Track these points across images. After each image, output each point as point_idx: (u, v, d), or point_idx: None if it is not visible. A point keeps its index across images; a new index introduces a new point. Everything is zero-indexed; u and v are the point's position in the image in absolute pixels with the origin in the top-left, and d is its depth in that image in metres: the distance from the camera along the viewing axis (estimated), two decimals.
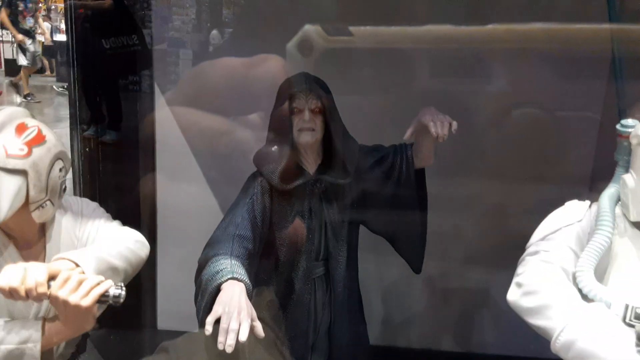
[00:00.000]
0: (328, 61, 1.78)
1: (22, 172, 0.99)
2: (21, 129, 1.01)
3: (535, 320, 0.94)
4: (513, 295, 1.01)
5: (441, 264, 2.10)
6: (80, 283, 0.93)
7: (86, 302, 0.92)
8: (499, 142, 1.99)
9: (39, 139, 1.02)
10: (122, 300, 0.96)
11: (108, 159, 2.18)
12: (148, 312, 2.36)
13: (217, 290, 1.14)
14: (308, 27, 1.79)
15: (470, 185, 2.02)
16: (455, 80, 1.91)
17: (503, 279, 2.02)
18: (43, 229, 1.11)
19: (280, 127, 1.36)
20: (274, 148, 1.36)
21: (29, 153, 0.99)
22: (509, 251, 1.95)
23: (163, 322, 2.39)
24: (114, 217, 1.26)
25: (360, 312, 1.58)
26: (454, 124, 1.27)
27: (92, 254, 1.03)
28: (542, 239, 1.03)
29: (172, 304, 2.29)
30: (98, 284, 0.95)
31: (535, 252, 1.01)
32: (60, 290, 0.91)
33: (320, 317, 1.46)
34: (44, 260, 1.09)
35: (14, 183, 0.98)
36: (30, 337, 0.96)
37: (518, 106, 1.95)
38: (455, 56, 1.87)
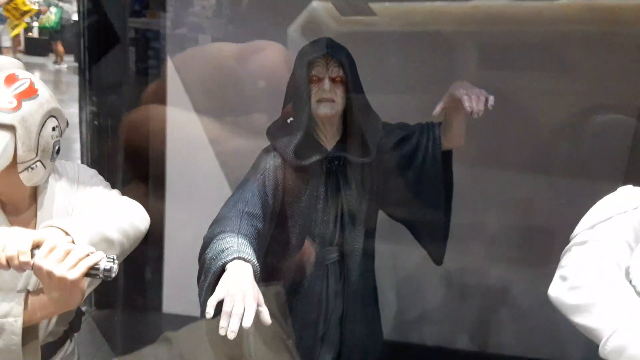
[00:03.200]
0: None
1: (10, 127, 0.90)
2: (11, 79, 0.92)
3: (581, 319, 0.83)
4: (556, 289, 0.90)
5: (461, 258, 1.93)
6: (67, 253, 0.84)
7: (73, 274, 0.83)
8: (531, 136, 1.79)
9: (31, 92, 0.93)
10: (113, 274, 0.87)
11: (117, 136, 2.14)
12: (154, 295, 2.30)
13: (222, 270, 1.05)
14: (316, 5, 1.55)
15: (496, 179, 1.84)
16: (511, 75, 1.58)
17: (524, 278, 1.96)
18: (34, 194, 1.02)
19: (296, 97, 1.25)
20: (289, 120, 1.26)
21: (18, 106, 0.90)
22: (533, 250, 1.89)
23: (168, 305, 2.32)
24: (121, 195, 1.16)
25: (374, 304, 1.48)
26: (491, 98, 1.15)
27: (85, 222, 0.94)
28: (591, 227, 0.91)
29: (178, 287, 2.22)
30: (88, 255, 0.86)
31: (583, 242, 0.90)
32: (45, 260, 0.83)
33: (332, 307, 1.37)
34: (34, 229, 1.00)
35: (1, 139, 0.88)
36: (11, 311, 0.88)
37: (590, 106, 1.67)
38: (512, 42, 1.53)
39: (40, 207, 1.02)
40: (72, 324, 1.08)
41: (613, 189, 1.00)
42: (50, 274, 0.83)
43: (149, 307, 2.32)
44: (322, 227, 1.31)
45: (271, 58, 1.51)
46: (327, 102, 1.23)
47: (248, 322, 0.93)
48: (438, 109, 1.23)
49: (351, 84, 1.24)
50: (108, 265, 0.86)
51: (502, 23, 1.48)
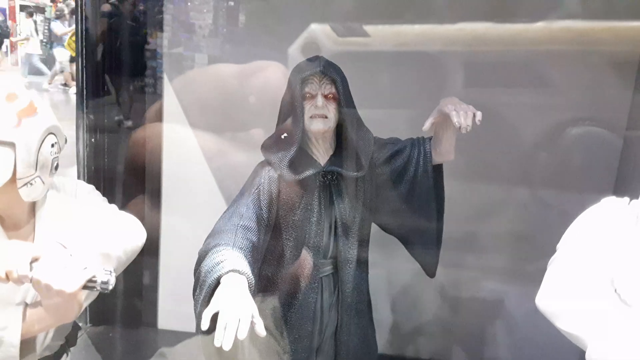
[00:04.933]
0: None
1: (10, 144, 0.91)
2: (12, 97, 0.94)
3: (566, 327, 0.85)
4: (543, 298, 0.92)
5: (453, 271, 1.97)
6: (65, 266, 0.85)
7: (71, 287, 0.84)
8: (519, 150, 1.83)
9: (31, 110, 0.95)
10: (110, 287, 0.88)
11: (113, 154, 2.15)
12: (149, 311, 2.29)
13: (217, 283, 1.06)
14: (314, 27, 1.63)
15: (487, 192, 1.88)
16: (494, 91, 1.67)
17: (517, 291, 1.97)
18: (33, 209, 1.03)
19: (290, 113, 1.27)
20: (284, 136, 1.28)
21: (19, 124, 0.92)
22: (525, 263, 1.90)
23: (164, 321, 2.30)
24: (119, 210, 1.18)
25: (369, 316, 1.49)
26: (479, 114, 1.18)
27: (83, 237, 0.96)
28: (577, 237, 0.94)
29: (173, 304, 2.22)
30: (85, 268, 0.87)
31: (569, 252, 0.92)
32: (43, 273, 0.84)
33: (327, 319, 1.38)
34: (32, 242, 1.02)
35: (1, 155, 0.90)
36: (9, 324, 0.88)
37: (566, 119, 1.72)
38: (495, 61, 1.62)
39: (39, 221, 1.03)
40: (68, 339, 1.09)
41: (598, 199, 1.01)
42: (48, 287, 0.83)
43: (144, 323, 2.32)
44: (316, 239, 1.32)
45: (273, 76, 1.58)
46: (320, 118, 1.25)
47: (243, 334, 0.93)
48: (427, 124, 1.25)
49: (343, 100, 1.27)
50: (105, 278, 0.87)
51: (486, 44, 1.56)
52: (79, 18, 1.98)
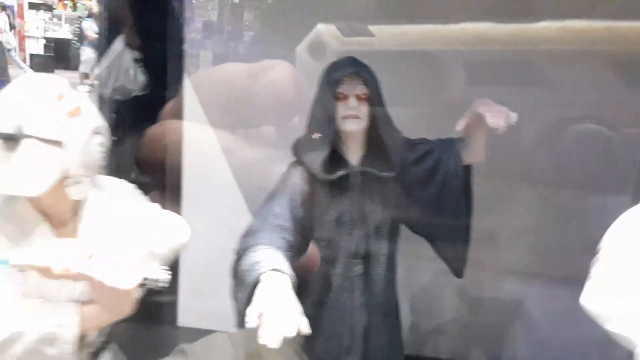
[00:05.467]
0: None
1: (59, 144, 0.94)
2: (60, 97, 0.96)
3: (616, 329, 0.86)
4: (590, 299, 0.93)
5: (473, 271, 1.99)
6: (120, 264, 0.88)
7: (126, 285, 0.86)
8: (543, 150, 1.83)
9: (78, 110, 0.97)
10: (164, 284, 0.90)
11: (134, 149, 2.16)
12: (169, 308, 2.29)
13: (257, 281, 1.07)
14: (320, 27, 1.66)
15: (510, 192, 1.90)
16: (495, 89, 1.70)
17: (538, 292, 1.98)
18: (76, 208, 1.05)
19: (322, 114, 1.29)
20: (316, 136, 1.30)
21: (68, 124, 0.94)
22: (547, 264, 1.92)
23: (184, 318, 2.31)
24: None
25: (397, 316, 1.50)
26: (514, 115, 1.20)
27: (132, 235, 0.99)
28: (621, 238, 0.94)
29: (194, 300, 2.24)
30: (140, 266, 0.89)
31: (615, 253, 0.93)
32: (98, 271, 0.86)
33: (357, 319, 1.39)
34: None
35: (49, 155, 0.92)
36: (66, 321, 0.90)
37: (568, 117, 1.74)
38: (496, 60, 1.67)
39: (83, 220, 1.05)
40: (109, 335, 1.11)
41: (624, 202, 1.04)
42: (103, 285, 0.86)
43: (164, 320, 2.31)
44: (348, 240, 1.34)
45: (281, 74, 1.60)
46: (353, 119, 1.27)
47: (292, 331, 0.94)
48: (462, 124, 1.26)
49: (375, 100, 1.29)
50: (159, 275, 0.89)
51: (486, 43, 1.61)
52: (103, 17, 1.99)
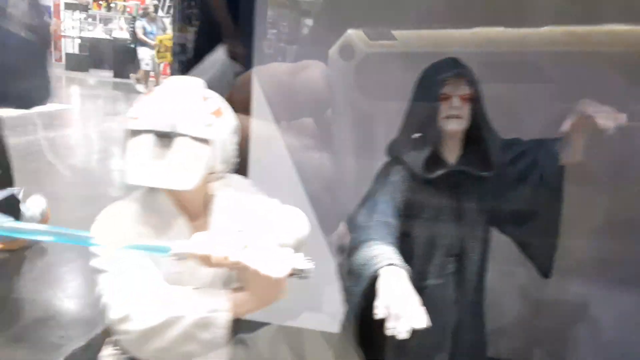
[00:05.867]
0: (370, 66, 1.75)
1: (207, 142, 0.97)
2: (205, 98, 1.00)
3: None
4: None
5: (533, 272, 1.76)
6: (271, 254, 0.89)
7: (279, 273, 0.87)
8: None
9: (222, 111, 1.01)
10: (310, 274, 0.90)
11: None
12: None
13: (375, 275, 1.09)
14: (350, 32, 1.77)
15: (575, 192, 1.70)
16: (507, 86, 1.78)
17: (604, 294, 1.88)
18: (207, 202, 1.08)
19: (423, 115, 1.30)
20: (416, 136, 1.31)
21: (215, 123, 0.98)
22: (612, 266, 1.83)
23: None
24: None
25: (483, 316, 1.50)
26: (622, 116, 1.19)
27: (266, 228, 1.00)
28: None
29: None
30: (288, 256, 0.90)
31: None
32: (252, 261, 0.88)
33: (448, 316, 1.39)
34: None
35: (200, 152, 0.95)
36: (219, 306, 0.92)
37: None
38: (506, 60, 1.75)
39: (213, 214, 1.08)
40: (237, 321, 1.10)
41: None
42: (258, 274, 0.87)
43: None
44: (445, 238, 1.34)
45: (315, 73, 1.72)
46: (455, 119, 1.27)
47: (421, 323, 0.97)
48: (568, 126, 1.25)
49: (476, 100, 1.29)
50: (307, 265, 0.89)
51: (498, 45, 1.70)
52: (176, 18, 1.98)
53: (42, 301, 2.44)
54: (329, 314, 1.48)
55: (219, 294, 0.94)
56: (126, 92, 9.21)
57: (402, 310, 0.99)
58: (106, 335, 1.16)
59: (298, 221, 1.12)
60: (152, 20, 8.32)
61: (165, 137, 0.94)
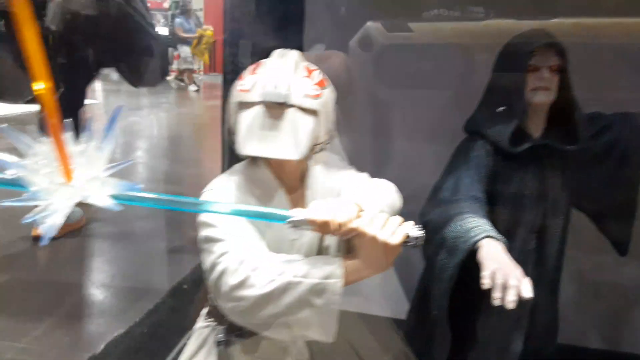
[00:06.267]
0: (387, 56, 1.81)
1: (315, 113, 0.97)
2: (310, 70, 1.00)
3: None
4: None
5: (594, 255, 1.88)
6: (387, 221, 0.89)
7: (395, 239, 0.87)
8: None
9: (325, 82, 1.01)
10: (422, 242, 0.89)
11: None
12: None
13: (474, 247, 1.08)
14: (369, 24, 1.82)
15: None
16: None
17: None
18: (303, 175, 1.08)
19: (508, 87, 1.27)
20: (500, 109, 1.28)
21: (320, 94, 0.98)
22: None
23: None
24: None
25: (557, 294, 1.48)
26: None
27: (368, 198, 1.00)
28: None
29: None
30: (402, 223, 0.90)
31: None
32: (370, 227, 0.87)
33: None
34: (304, 207, 1.03)
35: (309, 122, 0.96)
36: (333, 273, 0.91)
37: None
38: None
39: (308, 187, 1.08)
40: None
41: None
42: (374, 240, 0.87)
43: None
44: (527, 213, 1.31)
45: (335, 62, 1.77)
46: (544, 90, 1.24)
47: (528, 293, 0.96)
48: None
49: (564, 72, 1.25)
50: (419, 233, 0.89)
51: (509, 37, 1.72)
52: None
53: (86, 286, 2.50)
54: (365, 295, 1.47)
55: (333, 261, 0.93)
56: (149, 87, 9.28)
57: (508, 280, 0.98)
58: (199, 307, 1.19)
59: (392, 192, 1.11)
60: (190, 15, 8.13)
61: (276, 108, 0.95)
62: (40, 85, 0.60)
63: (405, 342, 1.53)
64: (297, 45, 2.08)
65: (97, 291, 2.46)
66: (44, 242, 0.73)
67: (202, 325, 1.15)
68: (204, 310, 1.17)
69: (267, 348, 1.12)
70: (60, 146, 0.71)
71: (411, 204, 1.24)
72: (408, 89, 1.67)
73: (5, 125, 0.71)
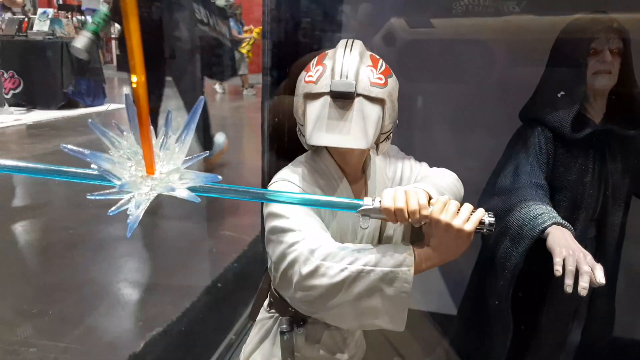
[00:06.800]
0: (410, 51, 1.84)
1: (381, 101, 0.96)
2: (374, 60, 0.99)
3: None
4: None
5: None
6: (458, 208, 0.89)
7: (469, 226, 0.87)
8: None
9: (389, 71, 1.00)
10: (494, 229, 0.89)
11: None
12: None
13: (542, 234, 1.07)
14: (393, 21, 1.86)
15: None
16: (534, 71, 1.80)
17: None
18: (365, 166, 1.08)
19: (570, 72, 1.25)
20: (560, 94, 1.26)
21: (386, 83, 0.97)
22: None
23: None
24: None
25: (615, 283, 1.45)
26: None
27: (431, 185, 0.98)
28: None
29: None
30: (472, 211, 0.89)
31: None
32: (443, 214, 0.87)
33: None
34: (367, 196, 1.02)
35: (376, 111, 0.95)
36: (404, 261, 0.91)
37: None
38: (532, 46, 1.78)
39: (369, 177, 1.07)
40: None
41: None
42: (448, 226, 0.86)
43: None
44: (588, 200, 1.29)
45: None
46: (605, 74, 1.21)
47: (601, 279, 0.97)
48: None
49: (627, 55, 1.23)
50: (491, 220, 0.88)
51: (527, 32, 1.80)
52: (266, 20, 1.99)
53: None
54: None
55: (404, 249, 0.93)
56: (175, 88, 9.41)
57: (580, 266, 0.98)
58: (261, 299, 1.20)
59: (454, 180, 1.10)
60: (238, 18, 7.89)
61: (343, 99, 0.94)
62: (135, 79, 0.62)
63: (453, 336, 1.56)
64: (334, 43, 2.14)
65: (134, 290, 2.50)
66: (129, 233, 0.75)
67: (265, 317, 1.16)
68: (266, 302, 1.18)
69: (329, 338, 1.12)
70: (146, 140, 0.72)
71: None
72: (429, 82, 1.74)
73: (90, 120, 0.72)
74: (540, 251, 1.12)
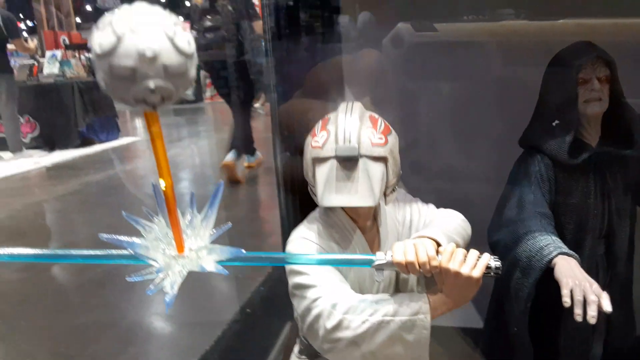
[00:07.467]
0: (416, 53, 1.96)
1: (384, 159, 1.03)
2: (374, 120, 1.06)
3: None
4: None
5: None
6: (465, 256, 0.93)
7: (476, 272, 0.92)
8: None
9: (388, 129, 1.06)
10: (500, 272, 0.94)
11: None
12: None
13: (549, 265, 1.12)
14: (401, 25, 1.95)
15: None
16: (527, 69, 1.91)
17: None
18: (375, 214, 1.14)
19: (561, 101, 1.30)
20: (555, 123, 1.31)
21: (386, 142, 1.03)
22: None
23: None
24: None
25: (631, 294, 1.47)
26: None
27: (439, 231, 1.04)
28: None
29: None
30: (480, 256, 0.94)
31: None
32: (451, 263, 0.92)
33: None
34: (379, 244, 1.13)
35: (380, 169, 1.01)
36: (421, 309, 0.96)
37: None
38: (528, 48, 1.94)
39: (380, 225, 1.14)
40: None
41: None
42: (457, 274, 0.92)
43: None
44: (594, 221, 1.34)
45: (370, 58, 1.87)
46: (596, 101, 1.27)
47: (608, 307, 1.01)
48: None
49: (614, 81, 1.28)
50: (497, 264, 0.93)
51: (522, 36, 1.93)
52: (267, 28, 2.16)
53: None
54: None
55: (419, 297, 0.99)
56: (189, 115, 9.58)
57: (587, 295, 1.02)
58: (290, 345, 1.27)
59: (461, 222, 1.15)
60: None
61: (349, 161, 1.01)
62: (163, 183, 0.71)
63: (482, 352, 1.60)
64: (338, 50, 2.11)
65: (166, 323, 2.56)
66: (168, 307, 0.82)
67: None
68: (296, 348, 1.24)
69: None
70: (175, 225, 0.80)
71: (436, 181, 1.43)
72: (434, 81, 1.84)
73: (124, 212, 0.81)
74: (551, 277, 1.14)
